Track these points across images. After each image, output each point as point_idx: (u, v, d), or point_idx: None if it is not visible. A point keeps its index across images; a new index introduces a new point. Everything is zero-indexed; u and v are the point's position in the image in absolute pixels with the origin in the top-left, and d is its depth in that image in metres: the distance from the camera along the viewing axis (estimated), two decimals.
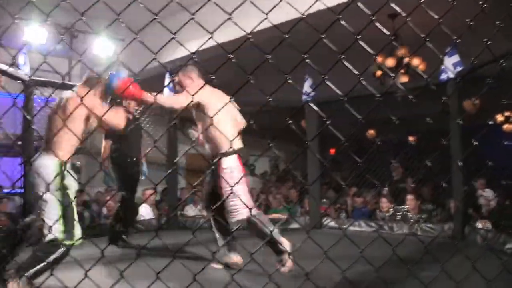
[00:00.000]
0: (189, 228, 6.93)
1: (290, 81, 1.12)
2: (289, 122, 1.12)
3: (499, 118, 9.83)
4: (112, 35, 8.07)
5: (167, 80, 7.30)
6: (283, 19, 5.19)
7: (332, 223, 7.03)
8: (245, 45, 1.12)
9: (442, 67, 5.53)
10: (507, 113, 9.76)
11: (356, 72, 1.04)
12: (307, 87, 6.81)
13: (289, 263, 3.44)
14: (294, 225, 7.03)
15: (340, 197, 8.23)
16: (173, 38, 1.06)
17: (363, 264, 1.46)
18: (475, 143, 1.64)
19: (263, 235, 3.42)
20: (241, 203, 3.47)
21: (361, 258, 1.23)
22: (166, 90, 7.21)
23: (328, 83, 1.06)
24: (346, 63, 1.05)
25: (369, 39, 1.16)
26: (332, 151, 9.82)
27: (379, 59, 6.98)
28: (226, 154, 3.59)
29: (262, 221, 3.50)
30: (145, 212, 7.13)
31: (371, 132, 10.38)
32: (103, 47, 8.04)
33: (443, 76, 5.68)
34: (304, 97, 7.12)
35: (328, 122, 1.06)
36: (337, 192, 9.12)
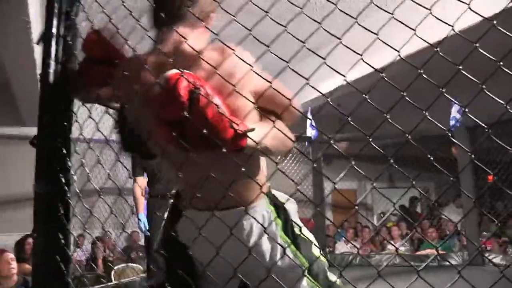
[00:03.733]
0: (336, 266, 6.81)
1: (436, 104, 1.07)
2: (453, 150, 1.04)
3: None
4: None
5: (309, 118, 7.45)
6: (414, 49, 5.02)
7: (497, 260, 6.37)
8: (390, 75, 1.11)
9: None
10: None
11: None
12: (454, 112, 6.43)
13: None
14: (451, 261, 6.56)
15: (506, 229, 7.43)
16: (306, 83, 1.09)
17: None
18: None
19: None
20: None
21: None
22: (309, 128, 7.35)
23: (488, 92, 0.99)
24: (506, 70, 0.97)
25: None
26: (491, 178, 8.98)
27: None
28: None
29: None
30: None
31: None
32: None
33: None
34: (452, 122, 6.70)
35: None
36: (501, 224, 8.26)
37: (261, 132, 1.19)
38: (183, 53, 1.26)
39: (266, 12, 1.13)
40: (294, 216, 1.48)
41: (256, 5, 1.18)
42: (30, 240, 5.19)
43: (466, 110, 1.00)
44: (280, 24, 1.12)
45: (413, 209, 10.53)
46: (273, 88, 1.22)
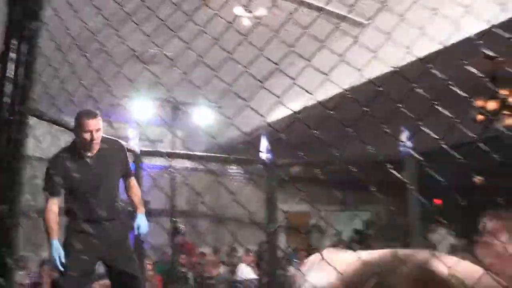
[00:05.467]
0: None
1: (387, 131, 1.13)
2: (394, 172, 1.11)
3: None
4: (211, 104, 8.55)
5: (264, 142, 7.51)
6: (376, 74, 5.20)
7: None
8: (343, 102, 1.17)
9: None
10: None
11: (450, 115, 1.04)
12: (405, 139, 6.65)
13: None
14: None
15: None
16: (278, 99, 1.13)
17: None
18: None
19: None
20: None
21: None
22: (263, 152, 7.40)
23: (424, 129, 1.06)
24: (440, 108, 1.05)
25: (469, 83, 1.15)
26: (436, 201, 9.32)
27: (480, 103, 6.66)
28: None
29: None
30: (246, 272, 7.18)
31: (479, 179, 9.75)
32: (203, 117, 8.54)
33: None
34: (402, 149, 6.94)
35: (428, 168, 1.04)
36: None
37: None
38: None
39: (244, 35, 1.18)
40: None
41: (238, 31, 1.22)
42: None
43: (405, 142, 1.07)
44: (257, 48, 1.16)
45: (367, 232, 10.74)
46: None
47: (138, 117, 7.81)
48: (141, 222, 3.38)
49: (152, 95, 7.71)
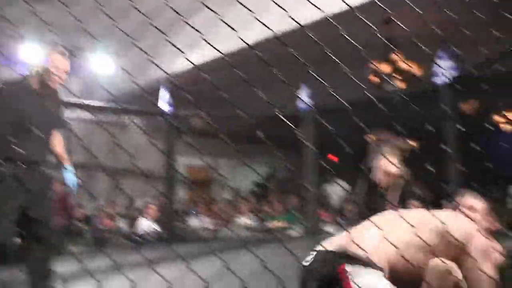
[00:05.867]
0: (191, 240, 6.94)
1: (286, 88, 1.14)
2: (295, 129, 1.13)
3: (497, 118, 9.84)
4: (106, 50, 8.14)
5: (163, 93, 7.35)
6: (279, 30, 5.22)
7: (331, 229, 7.02)
8: (245, 56, 1.15)
9: (436, 70, 5.63)
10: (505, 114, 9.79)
11: (344, 66, 1.07)
12: (303, 96, 6.86)
13: None
14: (294, 234, 7.06)
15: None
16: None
17: None
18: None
19: None
20: None
21: None
22: (163, 103, 7.26)
23: (319, 78, 1.08)
24: (334, 58, 1.08)
25: (365, 44, 1.19)
26: (331, 156, 9.82)
27: (374, 65, 7.02)
28: None
29: None
30: (146, 225, 7.14)
31: (371, 137, 10.41)
32: (102, 65, 8.11)
33: (437, 80, 5.75)
34: (300, 105, 7.16)
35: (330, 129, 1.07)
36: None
37: None
38: None
39: None
40: None
41: None
42: None
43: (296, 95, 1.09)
44: None
45: (266, 185, 11.11)
46: None
47: (29, 62, 7.22)
48: (70, 173, 3.33)
49: (45, 38, 7.13)
